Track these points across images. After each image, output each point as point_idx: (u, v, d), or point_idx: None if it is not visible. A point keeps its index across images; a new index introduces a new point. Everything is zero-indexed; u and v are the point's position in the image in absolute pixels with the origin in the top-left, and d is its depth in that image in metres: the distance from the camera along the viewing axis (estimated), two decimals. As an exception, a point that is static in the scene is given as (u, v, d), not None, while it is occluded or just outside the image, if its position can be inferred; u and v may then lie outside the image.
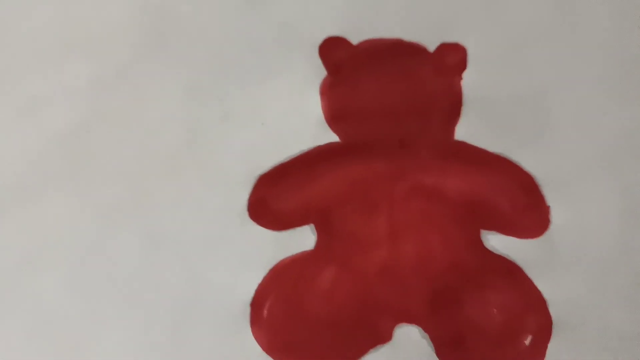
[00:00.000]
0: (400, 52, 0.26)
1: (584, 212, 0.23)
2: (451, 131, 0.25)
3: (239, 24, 0.27)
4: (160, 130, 0.25)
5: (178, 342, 0.22)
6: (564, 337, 0.22)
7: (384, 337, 0.22)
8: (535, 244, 0.23)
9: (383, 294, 0.23)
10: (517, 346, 0.22)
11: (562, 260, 0.23)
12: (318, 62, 0.26)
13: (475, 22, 0.26)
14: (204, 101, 0.26)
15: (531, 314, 0.22)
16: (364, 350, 0.22)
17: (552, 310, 0.22)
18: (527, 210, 0.23)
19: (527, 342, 0.22)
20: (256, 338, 0.22)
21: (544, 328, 0.22)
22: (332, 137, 0.25)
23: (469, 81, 0.25)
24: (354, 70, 0.26)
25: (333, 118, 0.25)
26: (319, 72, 0.26)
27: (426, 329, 0.22)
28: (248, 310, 0.23)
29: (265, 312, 0.23)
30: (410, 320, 0.23)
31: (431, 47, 0.26)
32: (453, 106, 0.25)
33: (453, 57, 0.26)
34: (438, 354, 0.22)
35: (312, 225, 0.24)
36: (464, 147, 0.24)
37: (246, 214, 0.24)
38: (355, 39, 0.26)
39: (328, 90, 0.26)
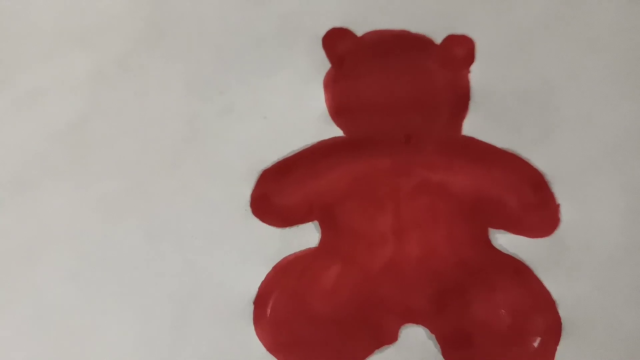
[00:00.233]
0: (406, 44, 0.26)
1: (594, 210, 0.23)
2: (458, 126, 0.24)
3: (240, 15, 0.26)
4: (161, 123, 0.25)
5: (178, 339, 0.22)
6: (573, 338, 0.22)
7: (389, 337, 0.22)
8: (544, 243, 0.23)
9: (388, 293, 0.22)
10: (525, 348, 0.21)
11: (571, 259, 0.23)
12: (321, 54, 0.26)
13: (483, 15, 0.26)
14: (205, 94, 0.25)
15: (540, 314, 0.22)
16: (370, 351, 0.22)
17: (561, 311, 0.22)
18: (537, 208, 0.23)
19: (536, 343, 0.22)
20: (259, 337, 0.22)
21: (553, 329, 0.22)
22: (336, 132, 0.25)
23: (477, 75, 0.25)
24: (358, 63, 0.25)
25: (337, 112, 0.25)
26: (323, 64, 0.25)
27: (432, 329, 0.22)
28: (251, 308, 0.22)
29: (268, 310, 0.22)
30: (416, 319, 0.22)
31: (438, 39, 0.26)
32: (460, 100, 0.25)
33: (460, 49, 0.25)
34: (444, 355, 0.22)
35: (316, 222, 0.24)
36: (472, 142, 0.24)
37: (249, 209, 0.24)
38: (359, 31, 0.26)
39: (332, 84, 0.25)
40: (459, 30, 0.26)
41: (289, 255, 0.23)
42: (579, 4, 0.26)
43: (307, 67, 0.25)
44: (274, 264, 0.23)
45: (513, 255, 0.23)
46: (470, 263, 0.23)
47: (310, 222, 0.24)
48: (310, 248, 0.23)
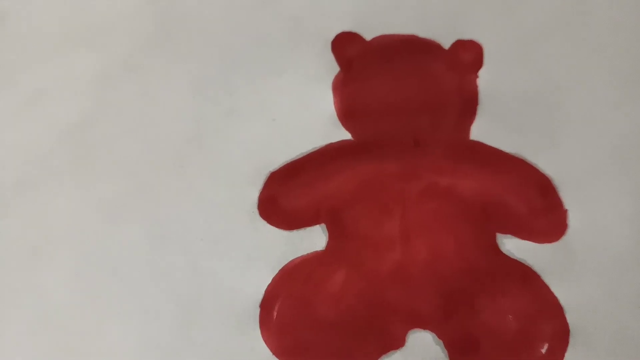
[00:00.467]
0: (414, 49, 0.26)
1: (602, 215, 0.23)
2: (466, 130, 0.24)
3: (249, 17, 0.26)
4: (167, 124, 0.25)
5: (182, 342, 0.22)
6: (580, 344, 0.21)
7: (397, 342, 0.22)
8: (552, 248, 0.23)
9: (395, 297, 0.22)
10: (533, 354, 0.21)
11: (579, 264, 0.22)
12: (330, 57, 0.25)
13: (491, 19, 0.26)
14: (213, 96, 0.25)
15: (547, 320, 0.22)
16: (377, 356, 0.22)
17: (569, 317, 0.22)
18: (544, 213, 0.23)
19: (544, 349, 0.21)
20: (265, 340, 0.22)
21: (560, 335, 0.22)
22: (344, 134, 0.24)
23: (485, 79, 0.25)
24: (366, 67, 0.25)
25: (345, 115, 0.25)
26: (331, 67, 0.25)
27: (439, 334, 0.22)
28: (257, 311, 0.22)
29: (274, 313, 0.22)
30: (423, 325, 0.22)
31: (446, 43, 0.26)
32: (468, 105, 0.25)
33: (468, 54, 0.25)
34: (452, 360, 0.22)
35: (323, 225, 0.23)
36: (479, 147, 0.24)
37: (256, 212, 0.23)
38: (368, 35, 0.26)
39: (340, 87, 0.25)
40: (466, 35, 0.26)
41: (296, 258, 0.23)
42: (585, 8, 0.26)
43: (315, 70, 0.25)
44: (281, 266, 0.23)
45: (520, 261, 0.23)
46: (478, 268, 0.22)
47: (317, 225, 0.23)
48: (317, 251, 0.23)
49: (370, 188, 0.23)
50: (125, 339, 0.22)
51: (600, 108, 0.24)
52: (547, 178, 0.23)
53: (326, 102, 0.25)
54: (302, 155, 0.24)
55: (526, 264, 0.22)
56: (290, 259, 0.23)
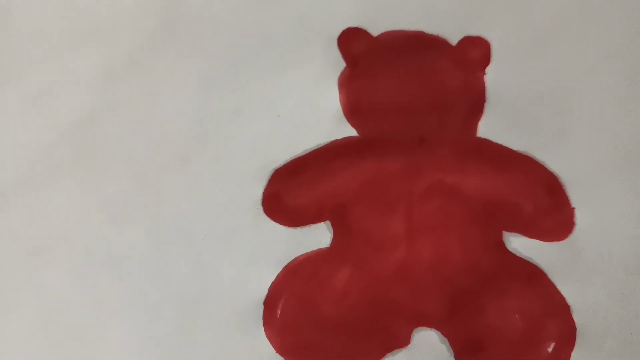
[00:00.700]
0: (421, 45, 0.25)
1: (610, 214, 0.23)
2: (473, 128, 0.24)
3: (255, 13, 0.26)
4: (172, 121, 0.25)
5: (186, 340, 0.22)
6: (587, 345, 0.21)
7: (402, 341, 0.22)
8: (559, 247, 0.22)
9: (399, 296, 0.22)
10: (539, 353, 0.21)
11: (587, 264, 0.22)
12: (336, 53, 0.25)
13: (499, 16, 0.25)
14: (218, 92, 0.25)
15: (554, 320, 0.22)
16: (381, 354, 0.22)
17: (576, 317, 0.22)
18: (551, 211, 0.23)
19: (550, 349, 0.21)
20: (269, 338, 0.22)
21: (567, 335, 0.21)
22: (350, 131, 0.24)
23: (492, 77, 0.25)
24: (373, 63, 0.25)
25: (351, 111, 0.25)
26: (337, 64, 0.25)
27: (445, 333, 0.22)
28: (261, 309, 0.22)
29: (278, 311, 0.22)
30: (428, 324, 0.22)
31: (453, 40, 0.25)
32: (475, 102, 0.24)
33: (476, 51, 0.25)
34: (457, 359, 0.22)
35: (328, 222, 0.23)
36: (486, 144, 0.24)
37: (260, 208, 0.23)
38: (375, 31, 0.26)
39: (346, 83, 0.25)
40: (474, 32, 0.25)
41: (300, 255, 0.23)
42: (594, 7, 0.25)
43: (321, 66, 0.25)
44: (285, 264, 0.23)
45: (527, 259, 0.22)
46: (484, 267, 0.22)
47: (322, 222, 0.23)
48: (321, 249, 0.23)
49: (375, 186, 0.23)
50: (127, 338, 0.22)
51: (609, 107, 0.24)
52: (554, 176, 0.23)
53: (332, 99, 0.25)
54: (306, 152, 0.24)
55: (533, 263, 0.22)
56: (294, 256, 0.23)
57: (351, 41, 0.25)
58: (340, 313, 0.22)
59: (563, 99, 0.24)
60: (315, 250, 0.23)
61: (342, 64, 0.25)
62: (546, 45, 0.25)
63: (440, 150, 0.24)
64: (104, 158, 0.24)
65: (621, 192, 0.23)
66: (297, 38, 0.25)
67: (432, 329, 0.22)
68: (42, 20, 0.27)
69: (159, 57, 0.26)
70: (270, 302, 0.22)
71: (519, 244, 0.23)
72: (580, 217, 0.23)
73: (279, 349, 0.22)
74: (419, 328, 0.22)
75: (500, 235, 0.23)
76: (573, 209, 0.23)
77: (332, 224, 0.23)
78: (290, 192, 0.23)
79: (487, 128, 0.24)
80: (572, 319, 0.21)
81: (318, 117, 0.24)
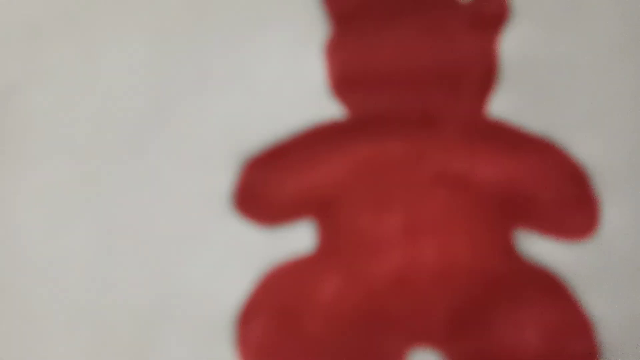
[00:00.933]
0: (426, 2, 0.23)
1: (642, 212, 0.21)
2: (485, 105, 0.22)
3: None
4: (119, 95, 0.22)
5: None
6: (614, 367, 0.20)
7: (394, 365, 0.20)
8: (582, 251, 0.21)
9: (395, 309, 0.20)
10: (558, 380, 0.20)
11: (615, 271, 0.20)
12: (322, 12, 0.23)
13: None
14: (177, 59, 0.22)
15: (575, 337, 0.20)
16: (373, 382, 0.20)
17: (601, 335, 0.20)
18: (572, 204, 0.21)
19: (571, 374, 0.20)
20: (242, 362, 0.20)
21: (589, 355, 0.20)
22: (338, 109, 0.22)
23: (510, 42, 0.22)
24: (367, 24, 0.23)
25: (340, 84, 0.22)
26: (323, 25, 0.23)
27: (447, 353, 0.20)
28: (233, 326, 0.20)
29: (254, 330, 0.20)
30: (427, 341, 0.20)
31: (463, -5, 0.23)
32: (487, 73, 0.22)
33: (491, 9, 0.23)
34: (463, 387, 0.20)
35: (312, 221, 0.21)
36: (500, 125, 0.22)
37: (230, 204, 0.21)
38: (368, -17, 0.23)
39: (334, 49, 0.22)
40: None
41: (279, 261, 0.21)
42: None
43: (303, 27, 0.22)
44: (260, 271, 0.21)
45: (545, 266, 0.21)
46: (495, 273, 0.21)
47: (304, 220, 0.21)
48: (305, 254, 0.21)
49: (369, 174, 0.21)
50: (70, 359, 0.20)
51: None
52: (578, 165, 0.21)
53: (316, 69, 0.22)
54: (287, 135, 0.22)
55: (551, 270, 0.20)
56: (272, 261, 0.21)
57: (341, -3, 0.23)
58: (327, 330, 0.20)
59: (600, 70, 0.22)
60: (298, 256, 0.21)
61: (329, 25, 0.23)
62: (579, 4, 0.22)
63: (447, 132, 0.22)
64: (33, 140, 0.22)
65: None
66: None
67: (431, 348, 0.20)
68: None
69: (98, 11, 0.23)
70: (244, 319, 0.20)
71: (535, 248, 0.21)
72: (609, 214, 0.21)
73: (255, 376, 0.20)
74: (416, 347, 0.20)
75: (515, 236, 0.21)
76: (599, 202, 0.21)
77: (317, 222, 0.21)
78: (266, 184, 0.21)
79: (501, 105, 0.22)
80: (596, 336, 0.20)
81: (300, 91, 0.22)
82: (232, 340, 0.20)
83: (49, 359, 0.20)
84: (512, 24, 0.22)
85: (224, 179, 0.21)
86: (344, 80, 0.22)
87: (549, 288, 0.20)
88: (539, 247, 0.21)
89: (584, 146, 0.21)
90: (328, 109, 0.22)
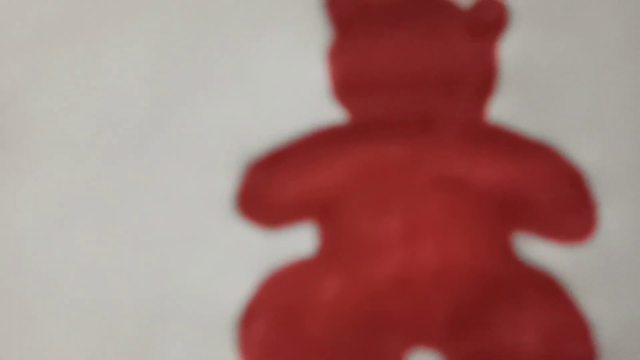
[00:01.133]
0: (426, 8, 0.23)
1: (640, 215, 0.21)
2: (484, 109, 0.22)
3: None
4: (121, 96, 0.22)
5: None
6: (612, 369, 0.20)
7: (393, 366, 0.20)
8: (581, 253, 0.21)
9: (395, 310, 0.20)
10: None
11: (613, 273, 0.21)
12: (323, 15, 0.23)
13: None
14: (179, 63, 0.22)
15: (573, 339, 0.20)
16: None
17: (600, 337, 0.20)
18: (570, 207, 0.21)
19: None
20: (244, 364, 0.20)
21: (587, 357, 0.20)
22: (339, 113, 0.22)
23: (509, 47, 0.22)
24: (368, 29, 0.23)
25: (341, 88, 0.22)
26: (324, 28, 0.23)
27: (446, 354, 0.20)
28: (234, 328, 0.20)
29: (255, 331, 0.20)
30: (427, 342, 0.20)
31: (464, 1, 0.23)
32: (488, 78, 0.22)
33: (490, 15, 0.23)
34: (462, 388, 0.20)
35: (313, 223, 0.21)
36: (499, 129, 0.22)
37: (232, 206, 0.21)
38: (369, -11, 0.23)
39: (336, 54, 0.22)
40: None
41: (280, 263, 0.21)
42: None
43: (305, 30, 0.22)
44: (261, 272, 0.21)
45: (543, 268, 0.21)
46: (494, 276, 0.21)
47: (305, 223, 0.21)
48: (306, 257, 0.21)
49: (370, 177, 0.21)
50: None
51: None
52: (577, 169, 0.21)
53: (318, 73, 0.22)
54: (288, 138, 0.22)
55: (549, 273, 0.21)
56: (274, 262, 0.21)
57: (342, 2, 0.23)
58: (327, 331, 0.20)
59: (599, 74, 0.22)
60: (299, 259, 0.21)
61: (331, 30, 0.23)
62: (578, 7, 0.23)
63: (446, 136, 0.22)
64: (35, 143, 0.22)
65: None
66: (276, -4, 0.23)
67: (430, 349, 0.20)
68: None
69: (100, 15, 0.23)
70: (245, 321, 0.20)
71: (534, 250, 0.21)
72: (607, 217, 0.21)
73: (256, 378, 0.20)
74: (416, 348, 0.20)
75: (513, 239, 0.21)
76: (596, 206, 0.21)
77: (318, 225, 0.21)
78: (268, 187, 0.21)
79: (502, 110, 0.22)
80: (594, 340, 0.20)
81: (302, 95, 0.22)
82: (234, 341, 0.20)
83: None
84: (512, 29, 0.22)
85: (226, 181, 0.21)
86: (345, 84, 0.22)
87: (548, 290, 0.20)
88: (538, 250, 0.21)
89: (582, 150, 0.21)
90: (329, 112, 0.22)
